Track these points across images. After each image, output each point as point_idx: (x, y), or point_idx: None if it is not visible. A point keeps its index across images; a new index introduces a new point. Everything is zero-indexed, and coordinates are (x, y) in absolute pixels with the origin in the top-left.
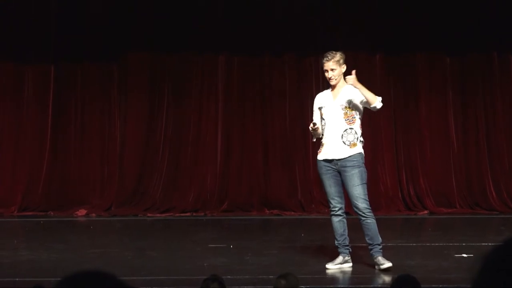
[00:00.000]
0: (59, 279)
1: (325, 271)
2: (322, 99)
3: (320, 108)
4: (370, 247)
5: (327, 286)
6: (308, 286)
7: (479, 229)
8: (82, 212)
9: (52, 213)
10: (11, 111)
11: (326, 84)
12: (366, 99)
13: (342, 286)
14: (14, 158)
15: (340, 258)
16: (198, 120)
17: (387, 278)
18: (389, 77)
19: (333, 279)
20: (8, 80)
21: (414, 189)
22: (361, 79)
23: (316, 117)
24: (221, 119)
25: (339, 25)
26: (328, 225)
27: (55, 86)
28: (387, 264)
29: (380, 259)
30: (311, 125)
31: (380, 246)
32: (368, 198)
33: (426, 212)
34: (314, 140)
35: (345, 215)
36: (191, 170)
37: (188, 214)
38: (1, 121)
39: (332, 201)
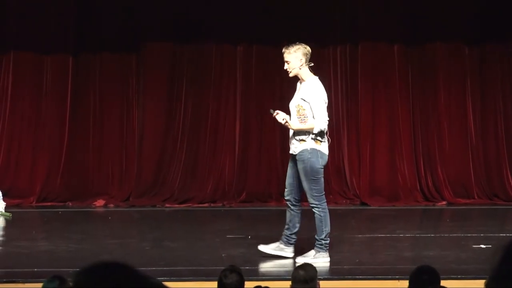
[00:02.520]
0: (77, 269)
1: (342, 262)
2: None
3: None
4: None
5: (345, 276)
6: (326, 277)
7: (497, 219)
8: (100, 202)
9: (70, 204)
10: (31, 101)
11: (343, 74)
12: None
13: (360, 277)
14: (33, 149)
15: (275, 244)
16: (216, 110)
17: (406, 269)
18: (407, 67)
19: (350, 270)
20: (27, 71)
21: (432, 180)
22: (380, 70)
23: None
24: (240, 109)
25: (358, 14)
26: (345, 215)
27: (73, 76)
28: (306, 260)
29: (311, 252)
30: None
31: (320, 242)
32: (323, 191)
33: (444, 202)
34: None
35: (294, 207)
36: (210, 160)
37: (206, 204)
38: (20, 111)
39: (285, 191)
